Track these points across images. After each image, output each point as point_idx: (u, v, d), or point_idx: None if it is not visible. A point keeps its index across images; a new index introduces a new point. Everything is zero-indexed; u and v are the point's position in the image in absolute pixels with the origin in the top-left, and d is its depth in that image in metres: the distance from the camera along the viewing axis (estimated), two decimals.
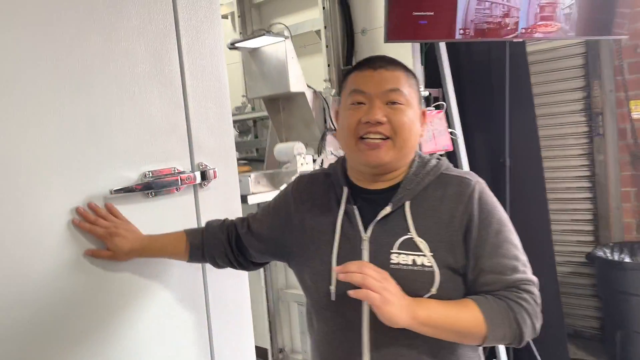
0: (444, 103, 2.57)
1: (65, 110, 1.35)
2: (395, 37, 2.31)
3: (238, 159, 1.86)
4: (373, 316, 1.07)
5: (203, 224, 1.62)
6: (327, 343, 1.22)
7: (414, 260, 1.12)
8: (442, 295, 1.11)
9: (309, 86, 2.42)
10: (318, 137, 2.43)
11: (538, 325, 1.11)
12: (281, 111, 2.55)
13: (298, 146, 2.29)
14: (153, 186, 1.48)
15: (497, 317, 1.07)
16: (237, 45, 2.37)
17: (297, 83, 2.34)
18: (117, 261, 1.40)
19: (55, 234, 1.34)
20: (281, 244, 1.33)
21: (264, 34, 2.27)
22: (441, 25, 2.34)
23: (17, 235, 1.28)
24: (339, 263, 1.15)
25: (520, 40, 2.53)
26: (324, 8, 2.75)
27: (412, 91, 1.20)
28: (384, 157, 1.16)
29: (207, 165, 1.62)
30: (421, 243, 1.12)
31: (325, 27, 2.76)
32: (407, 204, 1.17)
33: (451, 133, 2.58)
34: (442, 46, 2.68)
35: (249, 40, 2.35)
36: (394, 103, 1.16)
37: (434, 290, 1.11)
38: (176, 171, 1.55)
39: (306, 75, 2.40)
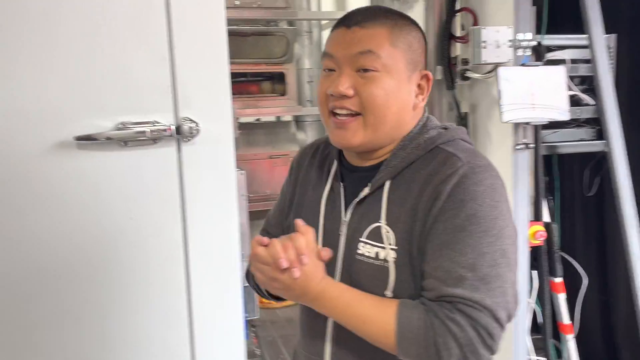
0: (563, 58, 1.98)
1: (38, 56, 1.47)
2: None
3: None
4: None
5: (187, 181, 1.63)
6: (301, 328, 1.17)
7: (377, 254, 0.96)
8: (400, 296, 0.95)
9: None
10: None
11: None
12: None
13: None
14: (120, 136, 1.53)
15: (412, 333, 0.88)
16: None
17: None
18: None
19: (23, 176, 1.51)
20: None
21: None
22: None
23: None
24: (324, 242, 1.03)
25: None
26: None
27: (399, 52, 0.97)
28: (352, 139, 0.98)
29: (190, 119, 1.59)
30: (387, 233, 0.95)
31: None
32: (387, 185, 0.98)
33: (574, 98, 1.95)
34: None
35: None
36: (365, 70, 0.96)
37: (388, 293, 0.94)
38: (155, 124, 1.57)
39: None
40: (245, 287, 1.63)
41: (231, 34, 1.76)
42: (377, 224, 0.96)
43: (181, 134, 1.59)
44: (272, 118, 3.43)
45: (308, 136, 3.38)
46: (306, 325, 1.08)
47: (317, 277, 0.92)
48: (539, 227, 1.94)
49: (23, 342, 1.57)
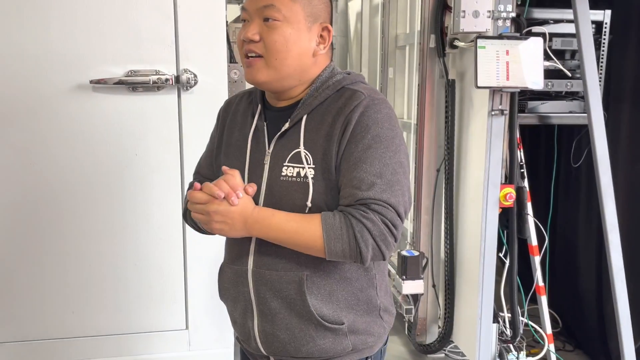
0: (544, 30, 2.06)
1: (64, 10, 1.75)
2: None
3: None
4: None
5: (185, 125, 1.89)
6: (227, 251, 1.32)
7: (298, 173, 1.14)
8: (317, 206, 1.13)
9: None
10: None
11: (385, 249, 1.08)
12: None
13: None
14: (129, 82, 1.80)
15: (335, 232, 1.07)
16: None
17: None
18: None
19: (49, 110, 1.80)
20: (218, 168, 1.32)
21: None
22: None
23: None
24: (248, 175, 1.21)
25: None
26: None
27: (298, 6, 1.13)
28: (257, 76, 1.15)
29: (189, 71, 1.84)
30: (306, 156, 1.13)
31: None
32: (304, 119, 1.16)
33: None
34: None
35: None
36: (268, 20, 1.13)
37: (309, 203, 1.12)
38: (158, 73, 1.82)
39: None
40: None
41: None
42: (297, 150, 1.14)
43: (181, 83, 1.84)
44: None
45: None
46: (232, 247, 1.25)
47: (250, 207, 1.11)
48: (510, 190, 2.07)
49: (44, 248, 1.89)
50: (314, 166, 1.12)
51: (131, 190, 1.90)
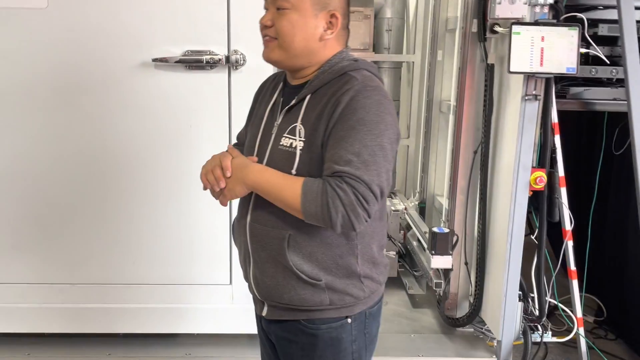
0: (582, 16, 2.07)
1: None
2: None
3: None
4: None
5: (234, 101, 2.09)
6: (239, 203, 1.48)
7: (291, 143, 1.28)
8: (301, 175, 1.26)
9: None
10: None
11: (355, 219, 1.19)
12: None
13: None
14: (186, 60, 2.02)
15: (312, 195, 1.19)
16: None
17: None
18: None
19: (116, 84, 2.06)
20: None
21: None
22: None
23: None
24: (260, 141, 1.39)
25: None
26: None
27: None
28: (270, 55, 1.32)
29: (238, 52, 2.03)
30: (300, 130, 1.27)
31: None
32: (308, 98, 1.30)
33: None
34: None
35: None
36: (279, 8, 1.29)
37: (293, 171, 1.26)
38: (211, 53, 2.03)
39: None
40: None
41: None
42: (295, 124, 1.29)
43: (231, 63, 2.03)
44: None
45: (383, 82, 3.65)
46: (240, 205, 1.43)
47: (247, 161, 1.29)
48: (540, 173, 2.12)
49: (112, 208, 2.18)
50: (304, 139, 1.26)
51: (185, 157, 2.14)
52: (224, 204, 1.36)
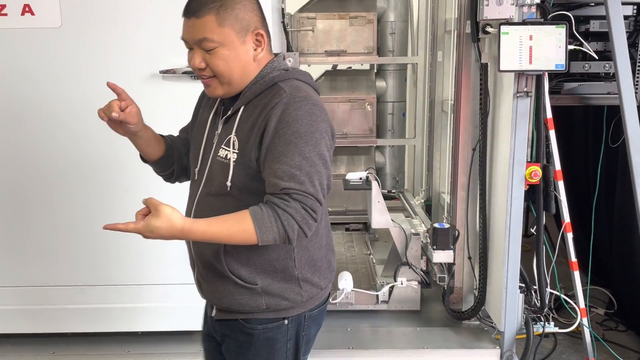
0: (569, 14, 2.13)
1: (142, 13, 2.14)
2: None
3: None
4: (204, 189, 1.40)
5: None
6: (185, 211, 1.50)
7: (226, 155, 1.31)
8: (237, 187, 1.30)
9: None
10: None
11: (307, 230, 1.25)
12: None
13: None
14: (191, 72, 2.14)
15: (266, 226, 1.21)
16: None
17: None
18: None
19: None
20: None
21: None
22: None
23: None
24: (204, 150, 1.39)
25: None
26: None
27: (227, 29, 1.25)
28: (215, 92, 1.33)
29: None
30: (234, 142, 1.30)
31: None
32: (242, 109, 1.32)
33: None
34: None
35: None
36: (207, 50, 1.27)
37: (229, 183, 1.29)
38: None
39: None
40: None
41: None
42: (230, 135, 1.30)
43: None
44: (357, 66, 3.81)
45: (388, 84, 3.74)
46: (185, 214, 1.40)
47: (178, 223, 1.17)
48: (535, 168, 2.18)
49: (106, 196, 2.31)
50: (237, 151, 1.29)
51: None
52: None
